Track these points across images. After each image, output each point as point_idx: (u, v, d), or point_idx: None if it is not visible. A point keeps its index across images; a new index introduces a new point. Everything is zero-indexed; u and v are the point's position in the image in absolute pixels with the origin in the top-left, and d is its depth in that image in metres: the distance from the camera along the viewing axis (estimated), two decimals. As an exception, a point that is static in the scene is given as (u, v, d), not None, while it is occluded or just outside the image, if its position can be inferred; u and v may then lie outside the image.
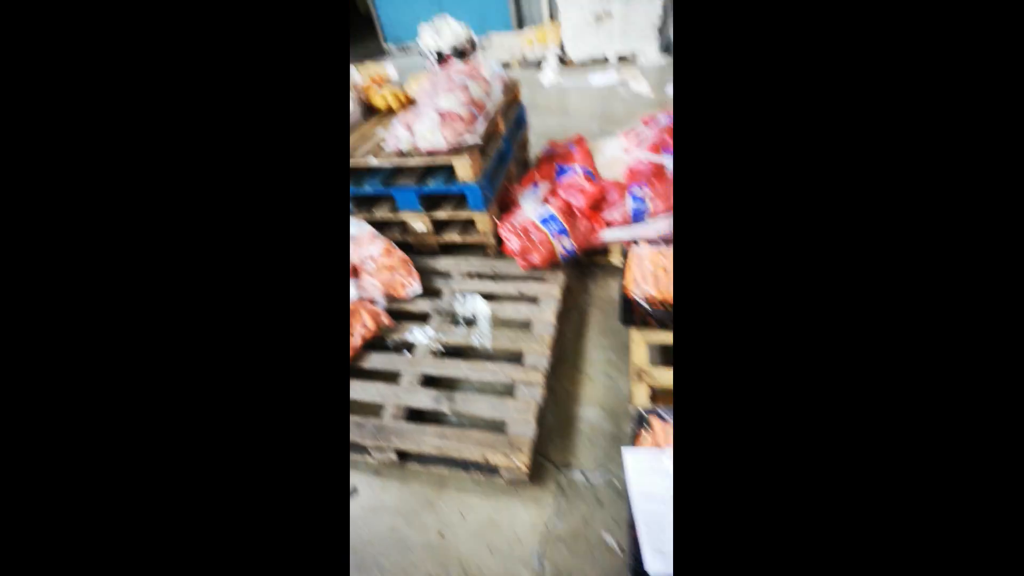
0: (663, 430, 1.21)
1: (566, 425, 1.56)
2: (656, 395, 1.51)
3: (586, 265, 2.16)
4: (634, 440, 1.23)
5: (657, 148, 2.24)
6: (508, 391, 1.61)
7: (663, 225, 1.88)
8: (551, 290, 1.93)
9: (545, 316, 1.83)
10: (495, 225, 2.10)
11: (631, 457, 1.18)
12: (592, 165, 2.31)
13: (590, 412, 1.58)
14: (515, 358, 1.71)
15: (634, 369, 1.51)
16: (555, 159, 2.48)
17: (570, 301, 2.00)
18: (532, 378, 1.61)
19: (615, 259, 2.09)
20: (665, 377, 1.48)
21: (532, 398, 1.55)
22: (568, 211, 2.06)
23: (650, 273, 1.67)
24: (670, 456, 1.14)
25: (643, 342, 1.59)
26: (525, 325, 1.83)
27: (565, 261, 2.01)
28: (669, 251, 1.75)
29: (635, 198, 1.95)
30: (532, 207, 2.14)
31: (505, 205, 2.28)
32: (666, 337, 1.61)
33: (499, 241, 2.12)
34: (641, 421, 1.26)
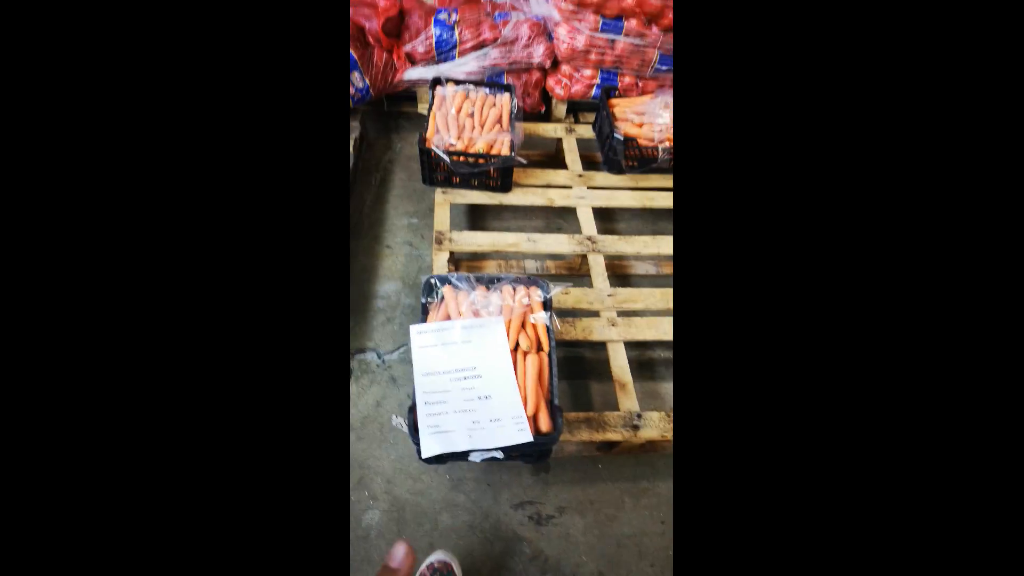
0: (454, 298, 1.06)
1: (362, 305, 1.34)
2: (458, 261, 1.35)
3: (391, 115, 1.78)
4: (424, 313, 1.07)
5: (474, -37, 1.79)
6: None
7: (473, 62, 1.56)
8: (343, 145, 1.54)
9: (335, 178, 1.47)
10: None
11: (416, 333, 1.02)
12: (393, -21, 1.79)
13: (389, 287, 1.37)
14: (296, 231, 1.36)
15: (435, 234, 1.30)
16: (347, -32, 1.87)
17: (369, 159, 1.65)
18: (317, 254, 1.31)
19: (424, 108, 1.75)
20: (467, 240, 1.30)
21: (317, 277, 1.27)
22: (359, 37, 1.59)
23: (453, 119, 1.39)
24: (456, 327, 1.01)
25: (446, 203, 1.37)
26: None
27: (358, 105, 1.60)
28: (477, 93, 1.46)
29: (441, 24, 1.56)
30: (312, 32, 1.60)
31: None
32: (472, 196, 1.41)
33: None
34: (431, 291, 1.09)
